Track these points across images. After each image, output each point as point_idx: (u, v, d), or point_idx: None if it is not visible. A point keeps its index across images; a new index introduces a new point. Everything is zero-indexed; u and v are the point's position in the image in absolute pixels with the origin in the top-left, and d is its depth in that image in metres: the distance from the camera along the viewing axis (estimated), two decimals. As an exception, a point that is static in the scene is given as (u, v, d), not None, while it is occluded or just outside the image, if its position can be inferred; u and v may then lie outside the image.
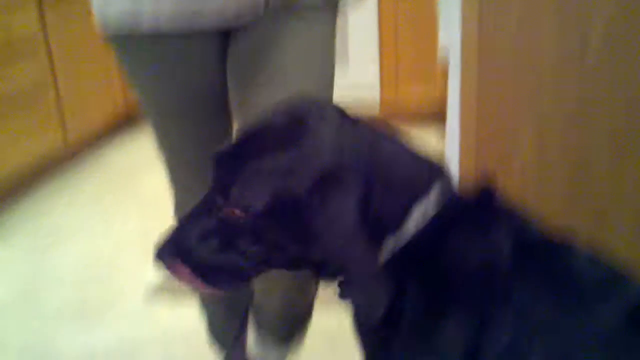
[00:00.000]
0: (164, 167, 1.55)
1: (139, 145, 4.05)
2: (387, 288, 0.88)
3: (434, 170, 0.95)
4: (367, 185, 0.87)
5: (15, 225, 3.06)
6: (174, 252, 0.99)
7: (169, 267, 1.00)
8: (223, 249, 0.95)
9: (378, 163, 0.90)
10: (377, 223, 0.89)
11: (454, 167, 1.90)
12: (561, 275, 0.87)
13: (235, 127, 1.47)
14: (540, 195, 1.73)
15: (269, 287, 1.50)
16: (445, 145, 1.95)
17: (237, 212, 0.91)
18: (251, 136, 0.96)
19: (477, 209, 0.94)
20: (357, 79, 4.05)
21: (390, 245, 0.90)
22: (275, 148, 0.90)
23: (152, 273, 2.51)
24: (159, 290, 2.39)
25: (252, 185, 0.90)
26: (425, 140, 3.66)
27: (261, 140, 0.93)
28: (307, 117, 0.93)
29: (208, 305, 1.67)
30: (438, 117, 3.52)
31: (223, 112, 1.47)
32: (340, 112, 0.98)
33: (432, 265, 0.89)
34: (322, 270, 0.97)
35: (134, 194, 3.33)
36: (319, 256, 0.92)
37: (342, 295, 0.98)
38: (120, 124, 4.35)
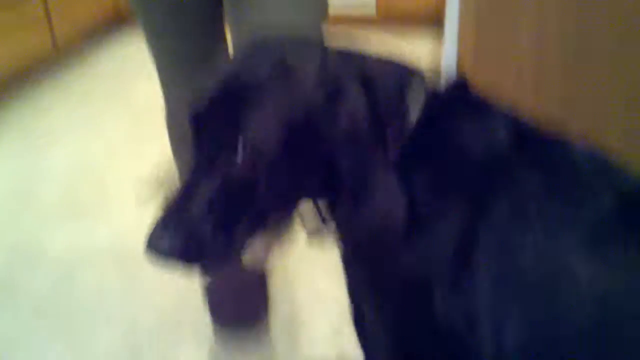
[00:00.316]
0: (154, 67, 1.52)
1: (128, 50, 3.96)
2: (403, 186, 0.87)
3: (413, 71, 0.96)
4: (365, 91, 0.88)
5: (6, 125, 3.03)
6: (180, 239, 0.86)
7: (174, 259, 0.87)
8: (234, 213, 0.87)
9: (367, 73, 0.91)
10: (381, 123, 0.89)
11: (451, 68, 1.86)
12: (558, 166, 0.88)
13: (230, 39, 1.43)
14: (538, 95, 1.70)
15: None
16: (443, 46, 1.91)
17: (246, 160, 0.85)
18: (236, 85, 0.89)
19: (463, 101, 0.95)
20: (354, -20, 3.93)
21: (395, 142, 0.90)
22: (269, 87, 0.87)
23: (143, 176, 2.50)
24: (150, 193, 2.38)
25: (259, 123, 0.85)
26: (421, 42, 3.61)
27: (251, 85, 0.88)
28: (288, 57, 0.90)
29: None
30: (435, 19, 3.44)
31: (215, 21, 1.43)
32: (313, 44, 0.97)
33: (434, 155, 0.91)
34: (328, 194, 0.94)
35: (124, 98, 3.28)
36: (331, 176, 0.89)
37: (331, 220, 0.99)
38: (110, 26, 4.24)
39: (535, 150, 0.90)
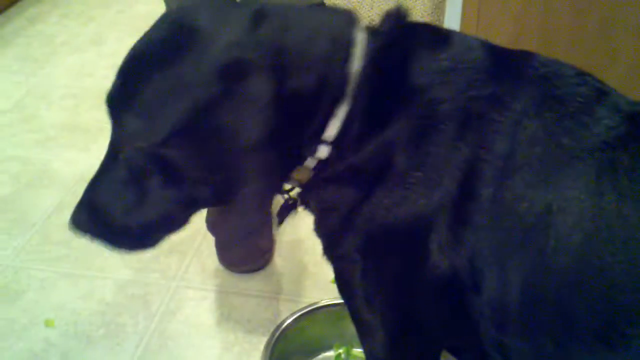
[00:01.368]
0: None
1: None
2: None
3: (351, 20, 0.89)
4: (280, 71, 0.80)
5: (7, 37, 2.99)
6: (90, 221, 0.90)
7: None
8: (143, 198, 0.86)
9: (289, 42, 0.82)
10: (313, 102, 0.83)
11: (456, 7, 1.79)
12: (550, 82, 0.82)
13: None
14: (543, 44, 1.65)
15: None
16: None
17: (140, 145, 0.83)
18: (131, 60, 0.86)
19: (420, 32, 0.89)
20: None
21: (345, 109, 0.85)
22: (160, 65, 0.81)
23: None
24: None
25: (147, 112, 0.81)
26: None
27: (143, 62, 0.84)
28: (196, 21, 0.82)
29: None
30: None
31: None
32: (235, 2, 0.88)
33: (403, 98, 0.84)
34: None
35: (126, 13, 3.22)
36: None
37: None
38: None
39: (519, 70, 0.84)
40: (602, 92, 0.81)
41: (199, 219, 1.83)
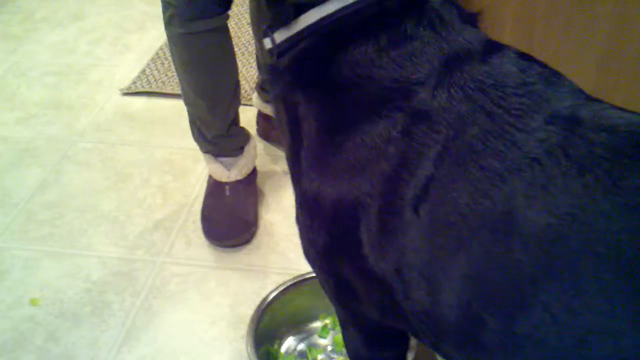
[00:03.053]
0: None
1: None
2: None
3: None
4: None
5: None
6: None
7: None
8: None
9: None
10: None
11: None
12: (488, 95, 0.74)
13: None
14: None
15: None
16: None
17: None
18: None
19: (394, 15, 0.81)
20: None
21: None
22: None
23: (127, 65, 2.45)
24: (134, 83, 2.33)
25: None
26: None
27: None
28: None
29: (190, 101, 1.63)
30: None
31: None
32: None
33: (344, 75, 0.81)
34: None
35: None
36: None
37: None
38: None
39: (446, 81, 0.76)
40: (543, 100, 0.72)
41: (181, 195, 1.83)
